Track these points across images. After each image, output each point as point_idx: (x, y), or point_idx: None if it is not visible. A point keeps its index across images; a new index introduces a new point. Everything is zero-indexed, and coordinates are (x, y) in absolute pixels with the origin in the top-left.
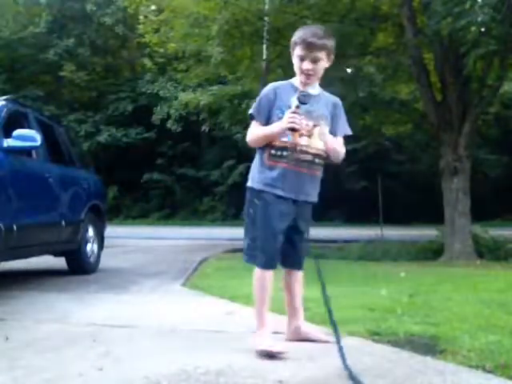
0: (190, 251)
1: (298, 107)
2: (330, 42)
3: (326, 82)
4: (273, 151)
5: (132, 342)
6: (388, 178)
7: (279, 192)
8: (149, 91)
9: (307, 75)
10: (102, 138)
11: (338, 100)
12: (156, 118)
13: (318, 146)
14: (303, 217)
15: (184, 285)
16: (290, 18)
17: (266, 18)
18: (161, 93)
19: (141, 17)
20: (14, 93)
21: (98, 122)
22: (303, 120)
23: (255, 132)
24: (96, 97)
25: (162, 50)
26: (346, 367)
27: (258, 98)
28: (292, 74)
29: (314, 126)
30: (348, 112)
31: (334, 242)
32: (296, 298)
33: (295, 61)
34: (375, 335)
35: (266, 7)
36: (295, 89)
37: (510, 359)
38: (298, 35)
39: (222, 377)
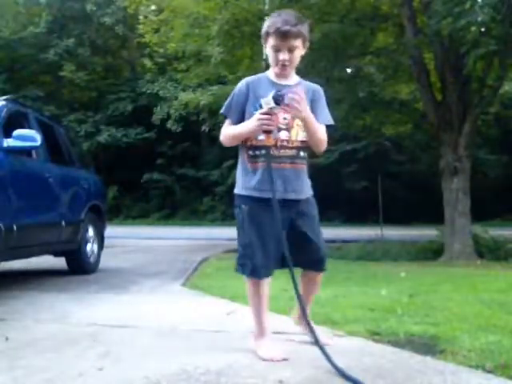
0: (190, 251)
1: (271, 108)
2: (305, 28)
3: (326, 82)
4: (251, 152)
5: (132, 342)
6: (388, 178)
7: (264, 195)
8: (149, 91)
9: (283, 66)
10: (102, 138)
11: (318, 87)
12: (156, 118)
13: (299, 138)
14: (302, 216)
15: (184, 285)
16: None
17: (265, 18)
18: (161, 93)
19: (141, 17)
20: (14, 93)
21: (98, 122)
22: (281, 113)
23: (226, 132)
24: (96, 97)
25: (161, 50)
26: (335, 367)
27: (230, 95)
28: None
29: (293, 118)
30: (348, 112)
31: (333, 242)
32: (308, 293)
33: (269, 52)
34: (375, 335)
35: (266, 7)
36: (271, 82)
37: (510, 359)
38: (268, 24)
39: (222, 377)
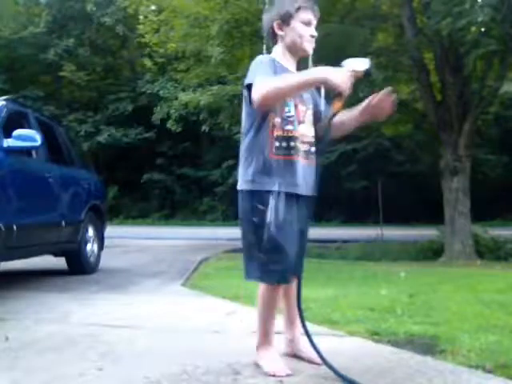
0: (190, 251)
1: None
2: None
3: None
4: (277, 143)
5: (132, 342)
6: (388, 178)
7: (284, 189)
8: (149, 91)
9: (311, 42)
10: (102, 138)
11: None
12: (156, 118)
13: (310, 134)
14: (307, 214)
15: (184, 285)
16: None
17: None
18: (161, 93)
19: (141, 17)
20: (14, 93)
21: (98, 122)
22: (301, 106)
23: (274, 81)
24: (96, 97)
25: (162, 50)
26: (329, 366)
27: (258, 66)
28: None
29: (306, 110)
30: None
31: (334, 241)
32: (295, 307)
33: (300, 28)
34: (375, 335)
35: (266, 7)
36: (283, 67)
37: (510, 359)
38: (301, 1)
39: (222, 377)
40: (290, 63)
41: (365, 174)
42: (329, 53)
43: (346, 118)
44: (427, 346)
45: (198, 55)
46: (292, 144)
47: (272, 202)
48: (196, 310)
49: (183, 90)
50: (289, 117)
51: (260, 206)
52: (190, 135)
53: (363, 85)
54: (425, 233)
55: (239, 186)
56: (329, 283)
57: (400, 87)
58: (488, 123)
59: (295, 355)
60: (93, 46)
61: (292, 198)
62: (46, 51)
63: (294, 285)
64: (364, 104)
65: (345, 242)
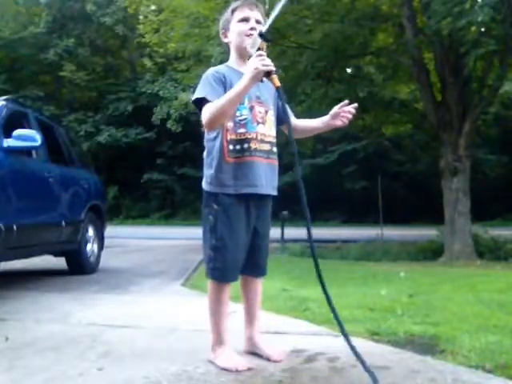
0: (190, 251)
1: (264, 45)
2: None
3: (327, 82)
4: (231, 146)
5: (132, 342)
6: (388, 178)
7: (243, 190)
8: (149, 91)
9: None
10: (102, 138)
11: None
12: (156, 118)
13: (272, 133)
14: (265, 213)
15: (184, 285)
16: (289, 18)
17: (265, 19)
18: (161, 93)
19: (141, 17)
20: (14, 93)
21: (98, 122)
22: (258, 107)
23: (212, 108)
24: (96, 97)
25: (161, 50)
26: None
27: (203, 82)
28: (294, 75)
29: (266, 111)
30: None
31: (334, 241)
32: (255, 306)
33: (237, 27)
34: (375, 335)
35: (267, 7)
36: (236, 71)
37: (510, 359)
38: (235, 4)
39: (222, 377)
40: (243, 66)
41: (365, 174)
42: (329, 53)
43: (310, 124)
44: (427, 346)
45: (198, 55)
46: (246, 146)
47: (225, 202)
48: (196, 310)
49: (183, 90)
50: (241, 120)
51: (215, 206)
52: (190, 135)
53: (363, 85)
54: (425, 233)
55: (203, 187)
56: (329, 283)
57: (400, 87)
58: (488, 123)
59: (253, 352)
60: (93, 45)
61: (248, 198)
62: (46, 51)
63: (254, 284)
64: (333, 110)
65: (345, 242)
